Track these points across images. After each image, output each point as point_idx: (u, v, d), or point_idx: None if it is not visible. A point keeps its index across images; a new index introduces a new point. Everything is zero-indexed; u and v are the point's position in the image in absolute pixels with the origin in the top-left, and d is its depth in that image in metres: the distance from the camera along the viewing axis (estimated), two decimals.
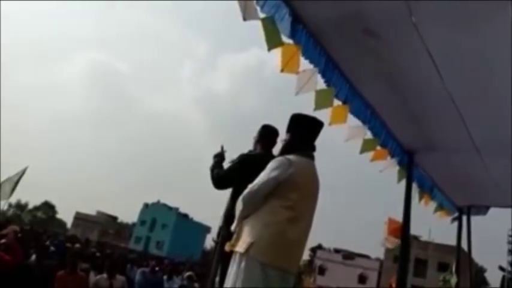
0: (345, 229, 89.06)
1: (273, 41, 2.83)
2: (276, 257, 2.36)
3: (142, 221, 62.28)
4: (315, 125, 2.76)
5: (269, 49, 2.81)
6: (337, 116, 3.64)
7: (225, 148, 3.39)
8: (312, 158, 2.69)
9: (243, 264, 2.37)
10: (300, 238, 2.50)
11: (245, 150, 3.39)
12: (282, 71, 3.03)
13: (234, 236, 2.52)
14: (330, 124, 3.60)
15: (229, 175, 3.22)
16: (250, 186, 2.52)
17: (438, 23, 2.64)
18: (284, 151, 2.68)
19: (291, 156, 2.57)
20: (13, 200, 61.89)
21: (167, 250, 54.39)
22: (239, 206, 2.55)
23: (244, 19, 2.63)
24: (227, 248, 2.54)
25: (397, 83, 3.43)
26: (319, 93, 3.37)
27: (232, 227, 2.60)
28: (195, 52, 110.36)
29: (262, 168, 2.55)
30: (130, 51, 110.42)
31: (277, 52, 2.94)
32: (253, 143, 3.45)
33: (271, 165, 2.53)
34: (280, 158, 2.58)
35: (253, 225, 2.43)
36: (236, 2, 2.61)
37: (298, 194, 2.48)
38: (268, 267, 2.33)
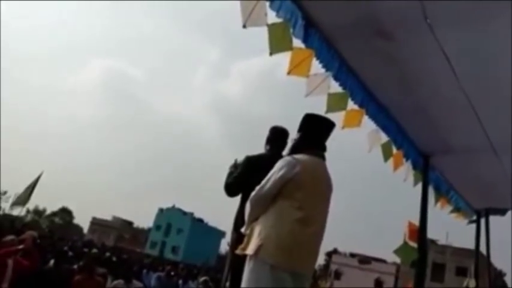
0: (360, 233, 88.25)
1: (279, 46, 2.80)
2: (285, 259, 2.32)
3: (157, 226, 62.62)
4: (326, 125, 2.74)
5: (271, 53, 2.78)
6: (351, 119, 3.62)
7: (238, 161, 3.41)
8: (323, 157, 2.65)
9: (253, 267, 2.36)
10: (311, 239, 2.46)
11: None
12: (288, 73, 3.02)
13: (245, 239, 2.50)
14: (342, 128, 3.58)
15: (237, 181, 3.25)
16: (257, 188, 2.51)
17: (453, 23, 2.62)
18: (293, 150, 2.66)
19: (298, 156, 2.54)
20: (31, 205, 62.90)
21: (182, 255, 54.53)
22: (247, 208, 2.54)
23: (244, 26, 2.59)
24: (238, 251, 2.53)
25: (412, 84, 3.40)
26: (332, 96, 3.36)
27: (243, 230, 2.60)
28: (208, 57, 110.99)
29: (269, 168, 2.54)
30: (144, 58, 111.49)
31: (286, 56, 2.94)
32: (264, 145, 3.47)
33: (277, 165, 2.52)
34: (286, 158, 2.56)
35: (262, 227, 2.41)
36: (240, 8, 2.58)
37: (304, 193, 2.44)
38: (277, 270, 2.30)
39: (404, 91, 3.50)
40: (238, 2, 2.58)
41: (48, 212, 70.78)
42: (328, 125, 2.74)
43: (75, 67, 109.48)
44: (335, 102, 3.39)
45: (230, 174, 3.36)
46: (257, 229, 2.43)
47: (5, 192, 54.55)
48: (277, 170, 2.48)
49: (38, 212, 68.77)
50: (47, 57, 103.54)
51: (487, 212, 6.14)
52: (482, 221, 6.21)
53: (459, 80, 3.08)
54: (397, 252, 6.44)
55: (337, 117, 3.40)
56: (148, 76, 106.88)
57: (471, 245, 6.50)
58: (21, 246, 5.25)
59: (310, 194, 2.47)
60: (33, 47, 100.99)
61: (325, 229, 2.58)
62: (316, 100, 3.28)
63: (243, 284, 2.39)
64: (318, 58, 3.01)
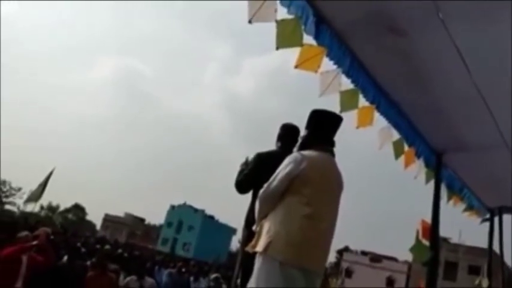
0: (372, 231, 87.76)
1: (287, 41, 2.79)
2: (294, 255, 2.32)
3: (169, 223, 63.04)
4: (333, 120, 2.71)
5: (278, 48, 2.77)
6: (364, 117, 3.60)
7: (249, 159, 3.42)
8: (331, 153, 2.63)
9: (262, 264, 2.36)
10: (320, 236, 2.44)
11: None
12: (296, 67, 3.01)
13: (255, 237, 2.50)
14: (357, 127, 3.58)
15: (247, 178, 3.26)
16: (265, 185, 2.51)
17: (466, 18, 2.59)
18: (302, 147, 2.65)
19: (305, 152, 2.53)
20: (45, 202, 63.68)
21: (194, 252, 54.82)
22: (257, 205, 2.55)
23: (250, 22, 2.60)
24: (249, 249, 2.53)
25: (424, 81, 3.37)
26: (344, 94, 3.35)
27: (253, 227, 2.61)
28: (219, 54, 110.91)
29: (279, 165, 2.54)
30: (154, 56, 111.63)
31: (296, 52, 2.94)
32: (275, 142, 3.48)
33: (284, 162, 2.51)
34: (293, 154, 2.56)
35: (271, 224, 2.41)
36: (247, 4, 2.59)
37: (311, 188, 2.43)
38: (287, 266, 2.29)
39: (417, 87, 3.48)
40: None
41: (62, 208, 71.67)
42: (336, 120, 2.72)
43: (86, 65, 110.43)
44: (347, 100, 3.38)
45: (241, 171, 3.37)
46: (266, 226, 2.44)
47: (20, 189, 55.45)
48: (284, 167, 2.48)
49: (51, 209, 69.60)
50: (55, 56, 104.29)
51: (501, 211, 6.07)
52: (496, 219, 6.14)
53: (472, 76, 3.04)
54: (412, 250, 6.39)
55: (350, 116, 3.40)
56: (159, 74, 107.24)
57: (484, 244, 6.44)
58: (35, 243, 5.32)
59: (318, 190, 2.46)
60: (40, 46, 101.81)
61: (335, 225, 2.56)
62: (328, 96, 3.27)
63: (253, 281, 2.39)
64: (329, 54, 3.00)
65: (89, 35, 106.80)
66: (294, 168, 2.44)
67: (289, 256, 2.31)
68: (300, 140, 2.76)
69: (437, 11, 2.53)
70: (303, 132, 2.79)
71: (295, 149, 2.87)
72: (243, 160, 3.46)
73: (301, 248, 2.34)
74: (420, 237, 6.17)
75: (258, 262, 2.40)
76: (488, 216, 6.17)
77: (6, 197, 57.40)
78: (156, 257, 18.96)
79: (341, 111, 3.32)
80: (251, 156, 3.41)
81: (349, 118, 3.35)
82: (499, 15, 2.49)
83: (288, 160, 2.51)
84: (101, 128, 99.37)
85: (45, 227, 7.75)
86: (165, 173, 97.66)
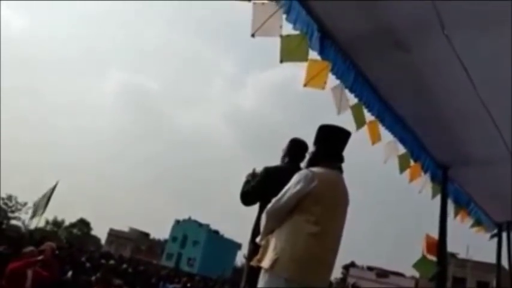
0: (378, 246, 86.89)
1: (292, 56, 2.81)
2: (300, 273, 2.30)
3: (173, 238, 62.80)
4: (341, 135, 2.68)
5: (281, 61, 2.79)
6: (373, 133, 3.61)
7: (256, 170, 3.40)
8: (340, 169, 2.61)
9: (268, 280, 2.35)
10: (326, 253, 2.43)
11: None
12: (305, 85, 3.02)
13: (261, 251, 2.49)
14: (372, 144, 3.61)
15: (254, 191, 3.23)
16: (273, 201, 2.49)
17: (470, 33, 2.61)
18: (310, 163, 2.62)
19: (315, 169, 2.50)
20: (50, 217, 63.87)
21: (198, 267, 54.47)
22: (263, 220, 2.53)
23: (253, 35, 2.62)
24: (253, 263, 2.52)
25: (429, 95, 3.38)
26: (353, 109, 3.36)
27: (257, 239, 2.59)
28: (225, 69, 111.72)
29: (287, 180, 2.51)
30: (160, 70, 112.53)
31: (302, 67, 2.95)
32: (281, 157, 3.45)
33: (294, 178, 2.48)
34: (303, 171, 2.52)
35: (278, 240, 2.40)
36: (251, 17, 2.61)
37: (321, 207, 2.41)
38: (293, 284, 2.28)
39: (421, 102, 3.48)
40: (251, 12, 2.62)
41: (67, 223, 71.68)
42: (344, 135, 2.69)
43: (91, 78, 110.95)
44: (357, 115, 3.39)
45: (247, 182, 3.34)
46: (272, 243, 2.42)
47: (25, 204, 55.67)
48: (294, 184, 2.45)
49: (56, 223, 69.65)
50: (60, 67, 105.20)
51: (509, 226, 6.01)
52: (504, 234, 6.07)
53: (477, 90, 3.05)
54: (416, 266, 6.30)
55: (359, 133, 3.41)
56: (165, 88, 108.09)
57: (492, 259, 6.36)
58: (40, 258, 5.32)
59: (327, 208, 2.44)
60: (45, 56, 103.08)
61: (340, 242, 2.55)
62: (333, 110, 3.28)
63: None
64: (332, 69, 3.02)
65: (96, 48, 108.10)
66: (304, 186, 2.41)
67: (294, 273, 2.30)
68: (308, 156, 2.74)
69: (442, 27, 2.55)
70: (311, 147, 2.78)
71: (303, 165, 2.86)
72: (249, 171, 3.44)
73: (306, 265, 2.33)
74: (425, 252, 6.09)
75: (263, 278, 2.39)
76: (496, 231, 6.11)
77: (12, 212, 57.68)
78: (160, 272, 18.85)
79: (357, 128, 3.34)
80: (258, 168, 3.39)
81: (359, 134, 3.37)
82: (502, 30, 2.50)
83: (298, 177, 2.47)
84: (104, 142, 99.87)
85: (51, 242, 7.74)
86: (169, 187, 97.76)
